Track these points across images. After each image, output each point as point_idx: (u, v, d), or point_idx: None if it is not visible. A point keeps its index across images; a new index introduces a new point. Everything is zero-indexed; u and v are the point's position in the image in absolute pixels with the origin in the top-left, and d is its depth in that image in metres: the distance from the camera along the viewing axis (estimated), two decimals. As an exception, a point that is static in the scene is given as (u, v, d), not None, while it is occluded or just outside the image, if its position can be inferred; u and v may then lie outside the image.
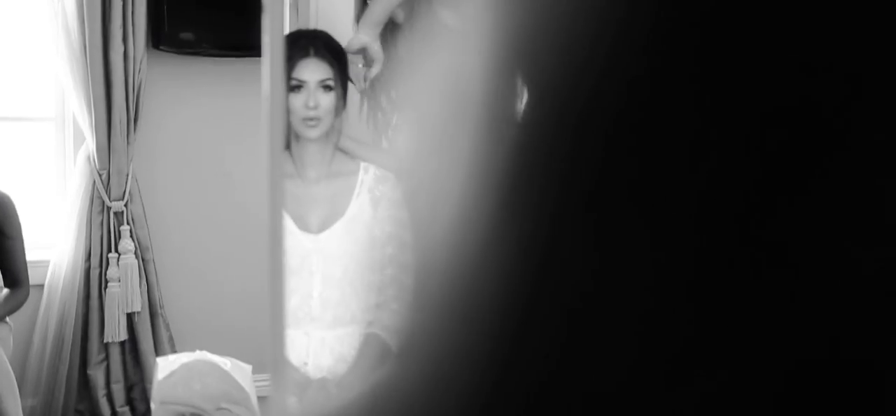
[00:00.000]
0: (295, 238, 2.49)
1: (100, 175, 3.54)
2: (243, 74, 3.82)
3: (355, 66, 2.58)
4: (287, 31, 2.99)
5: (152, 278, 3.67)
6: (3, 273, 3.12)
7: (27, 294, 3.17)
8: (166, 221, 3.85)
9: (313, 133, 2.48)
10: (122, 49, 3.47)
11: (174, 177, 3.89)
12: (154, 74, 3.68)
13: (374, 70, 2.59)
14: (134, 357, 3.68)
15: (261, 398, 2.47)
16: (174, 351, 3.65)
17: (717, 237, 0.23)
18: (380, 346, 2.55)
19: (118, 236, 3.58)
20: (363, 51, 2.57)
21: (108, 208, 3.56)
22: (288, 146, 2.53)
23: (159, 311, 3.69)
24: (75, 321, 3.57)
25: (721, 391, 0.24)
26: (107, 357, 3.63)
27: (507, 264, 0.25)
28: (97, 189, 3.55)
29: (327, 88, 2.48)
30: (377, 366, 2.57)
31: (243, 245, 3.92)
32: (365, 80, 2.60)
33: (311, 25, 3.69)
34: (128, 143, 3.55)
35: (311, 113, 2.46)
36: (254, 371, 2.42)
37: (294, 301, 2.50)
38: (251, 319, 3.85)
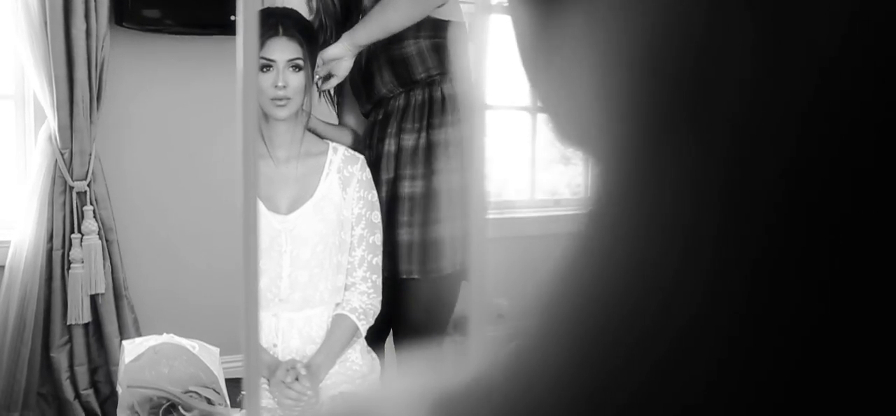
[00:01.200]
0: (264, 219, 2.47)
1: (62, 154, 3.48)
2: (208, 51, 3.78)
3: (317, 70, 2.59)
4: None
5: (116, 259, 3.63)
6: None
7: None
8: (130, 201, 3.81)
9: (282, 113, 2.45)
10: (83, 26, 3.41)
11: (138, 156, 3.84)
12: (117, 51, 3.63)
13: (332, 82, 2.62)
14: (98, 340, 3.64)
15: (229, 380, 2.44)
16: (139, 333, 3.61)
17: None
18: (348, 327, 2.54)
19: (81, 217, 3.53)
20: (335, 62, 2.58)
21: (71, 188, 3.51)
22: (255, 126, 2.50)
23: (123, 292, 3.65)
24: (37, 303, 3.52)
25: None
26: (70, 339, 3.58)
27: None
28: (59, 169, 3.50)
29: (297, 67, 2.45)
30: (346, 347, 2.56)
31: (208, 225, 3.88)
32: (319, 83, 2.62)
33: (279, 2, 3.65)
34: (90, 122, 3.50)
35: (281, 93, 2.43)
36: (221, 353, 2.40)
37: (263, 282, 2.48)
38: (217, 299, 3.82)
